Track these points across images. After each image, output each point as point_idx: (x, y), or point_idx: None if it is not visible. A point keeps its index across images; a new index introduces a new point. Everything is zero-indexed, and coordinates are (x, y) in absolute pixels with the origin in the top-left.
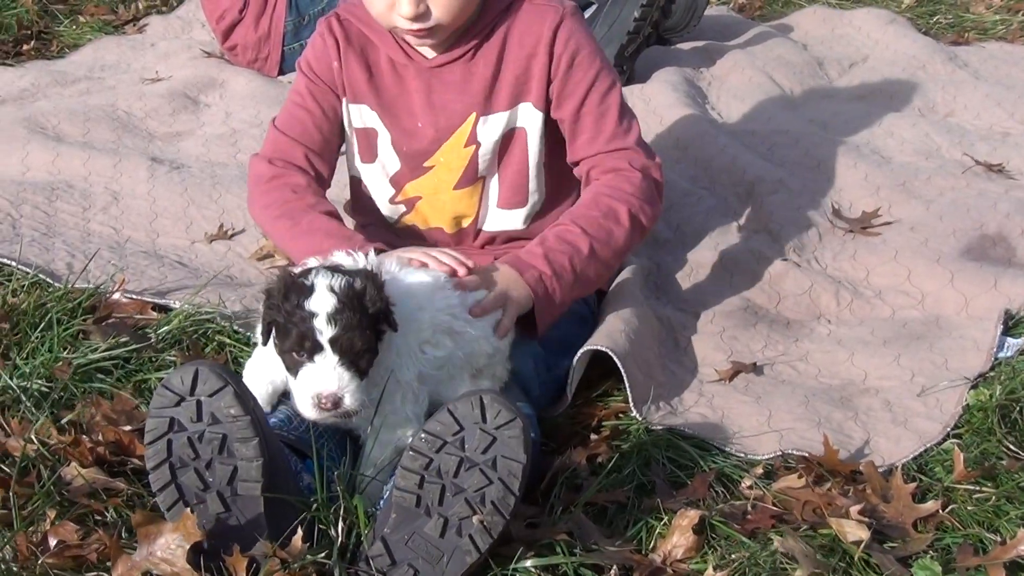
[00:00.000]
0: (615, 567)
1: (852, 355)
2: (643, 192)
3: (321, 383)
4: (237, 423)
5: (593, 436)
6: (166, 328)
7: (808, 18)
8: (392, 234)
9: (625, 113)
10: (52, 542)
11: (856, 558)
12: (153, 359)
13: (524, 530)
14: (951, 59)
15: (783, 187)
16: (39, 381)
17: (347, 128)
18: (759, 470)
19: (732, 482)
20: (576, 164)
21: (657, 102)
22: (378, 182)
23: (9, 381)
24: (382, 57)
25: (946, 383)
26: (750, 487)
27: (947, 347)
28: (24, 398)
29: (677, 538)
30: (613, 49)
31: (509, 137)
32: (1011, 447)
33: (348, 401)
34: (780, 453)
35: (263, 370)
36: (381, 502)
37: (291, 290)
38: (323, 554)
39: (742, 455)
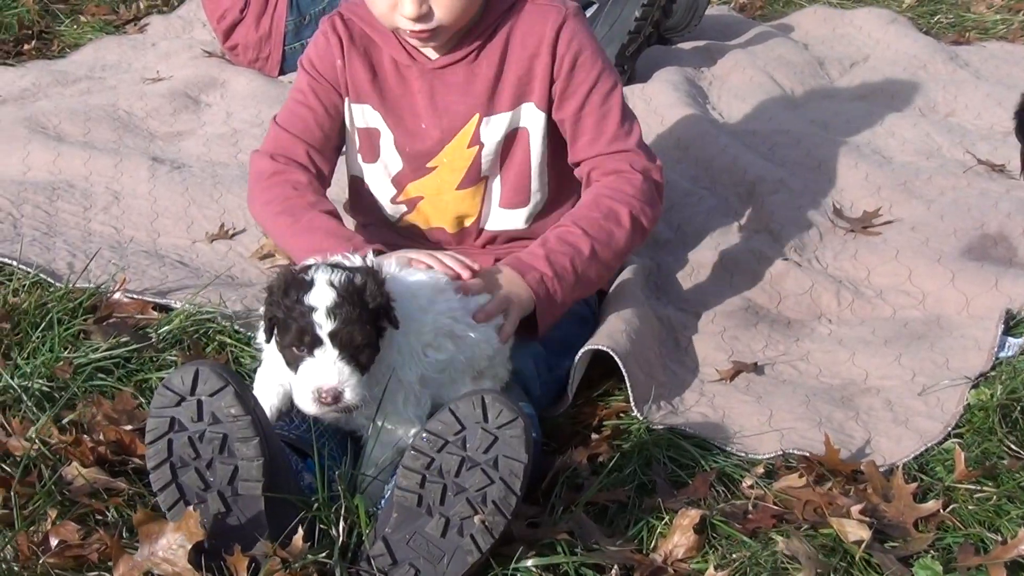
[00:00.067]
0: (616, 567)
1: (853, 355)
2: (644, 194)
3: (321, 377)
4: (238, 423)
5: (594, 436)
6: (167, 328)
7: (809, 18)
8: (393, 233)
9: (626, 115)
10: (53, 542)
11: (857, 558)
12: (154, 359)
13: (525, 529)
14: (952, 59)
15: (784, 187)
16: (40, 381)
17: (348, 127)
18: (760, 470)
19: (733, 482)
20: (577, 165)
21: (658, 102)
22: (380, 182)
23: (10, 381)
24: (385, 58)
25: (947, 382)
26: (751, 487)
27: (948, 347)
28: (25, 398)
29: (678, 538)
30: (614, 49)
31: (512, 137)
32: (1012, 446)
33: (348, 395)
34: (781, 453)
35: (274, 377)
36: (382, 501)
37: (291, 285)
38: (324, 554)
39: (743, 455)
